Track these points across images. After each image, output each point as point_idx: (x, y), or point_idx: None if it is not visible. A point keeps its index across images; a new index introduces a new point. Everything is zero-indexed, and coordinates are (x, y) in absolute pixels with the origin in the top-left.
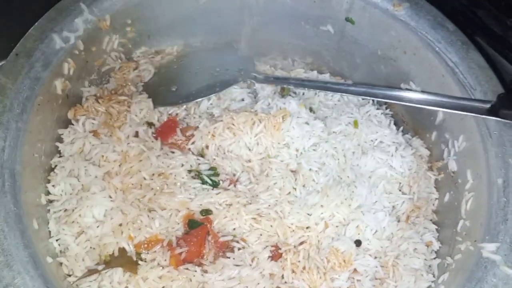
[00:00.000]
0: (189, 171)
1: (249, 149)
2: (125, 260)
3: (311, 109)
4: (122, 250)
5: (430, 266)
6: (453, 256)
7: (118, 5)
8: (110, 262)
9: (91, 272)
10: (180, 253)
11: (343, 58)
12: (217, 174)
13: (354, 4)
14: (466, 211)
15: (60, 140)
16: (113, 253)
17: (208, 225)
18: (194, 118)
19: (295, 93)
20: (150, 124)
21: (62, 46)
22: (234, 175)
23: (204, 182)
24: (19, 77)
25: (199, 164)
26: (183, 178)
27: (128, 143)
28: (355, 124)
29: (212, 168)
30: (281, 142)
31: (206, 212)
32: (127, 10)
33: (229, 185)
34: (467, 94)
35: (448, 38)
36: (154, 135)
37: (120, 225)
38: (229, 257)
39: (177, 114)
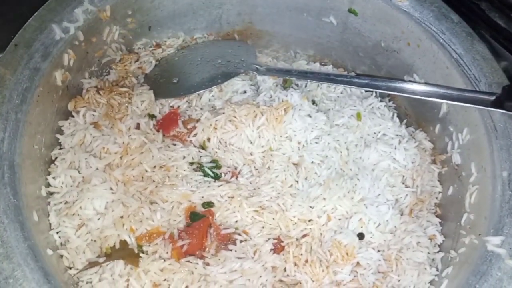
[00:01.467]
0: (191, 164)
1: (251, 142)
2: (126, 253)
3: (313, 102)
4: (123, 243)
5: (433, 259)
6: (457, 250)
7: None
8: (111, 254)
9: (92, 264)
10: (182, 246)
11: (346, 50)
12: (219, 167)
13: None
14: (470, 204)
15: (60, 131)
16: (114, 246)
17: (210, 217)
18: (195, 110)
19: (297, 85)
20: (151, 116)
21: (62, 36)
22: (236, 168)
23: (206, 175)
24: (19, 68)
25: (200, 156)
26: (184, 170)
27: (130, 135)
28: (358, 116)
29: (213, 161)
30: (283, 134)
31: (208, 204)
32: (127, 1)
33: (230, 178)
34: (472, 86)
35: (453, 29)
36: (155, 127)
37: (121, 217)
38: (231, 250)
39: (178, 107)
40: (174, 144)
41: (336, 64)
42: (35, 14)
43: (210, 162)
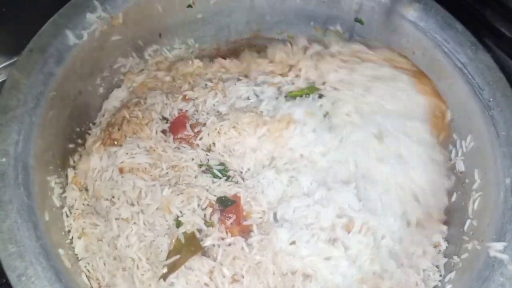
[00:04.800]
0: (200, 166)
1: (253, 151)
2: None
3: (326, 114)
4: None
5: (437, 265)
6: (460, 255)
7: (130, 3)
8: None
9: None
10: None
11: None
12: (226, 170)
13: (363, 4)
14: (473, 210)
15: (72, 135)
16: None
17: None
18: (202, 115)
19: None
20: (165, 119)
21: (75, 42)
22: (241, 172)
23: (215, 176)
24: (33, 72)
25: (208, 159)
26: (194, 171)
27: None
28: (379, 137)
29: (221, 164)
30: (285, 146)
31: (224, 200)
32: (139, 8)
33: (237, 182)
34: (475, 94)
35: (457, 38)
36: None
37: None
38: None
39: (186, 111)
40: (184, 147)
41: None
42: (49, 20)
43: (219, 164)
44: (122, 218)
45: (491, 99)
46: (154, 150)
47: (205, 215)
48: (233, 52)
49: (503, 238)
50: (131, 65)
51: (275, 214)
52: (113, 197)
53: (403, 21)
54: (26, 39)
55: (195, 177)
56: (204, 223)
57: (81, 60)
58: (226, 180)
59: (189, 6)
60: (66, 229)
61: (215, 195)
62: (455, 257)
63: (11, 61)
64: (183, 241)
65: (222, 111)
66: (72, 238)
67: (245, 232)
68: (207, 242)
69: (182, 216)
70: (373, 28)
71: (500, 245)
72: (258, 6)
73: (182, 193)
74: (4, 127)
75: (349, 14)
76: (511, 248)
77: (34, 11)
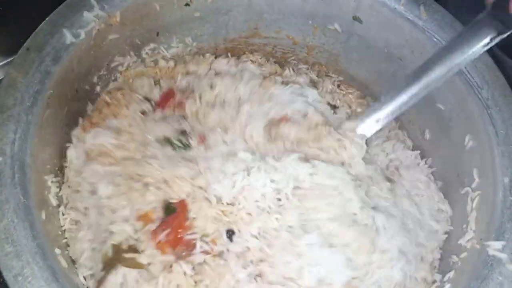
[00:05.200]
0: (157, 140)
1: (243, 102)
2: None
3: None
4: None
5: (435, 266)
6: (459, 255)
7: (128, 2)
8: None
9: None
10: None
11: (350, 56)
12: (184, 134)
13: (362, 3)
14: (472, 209)
15: (69, 134)
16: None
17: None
18: (201, 78)
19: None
20: (149, 100)
21: (73, 41)
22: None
23: (174, 148)
24: (30, 71)
25: (178, 125)
26: (154, 148)
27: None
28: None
29: (182, 132)
30: (266, 103)
31: (168, 207)
32: (137, 7)
33: (198, 144)
34: (474, 93)
35: None
36: (153, 107)
37: None
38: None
39: (188, 84)
40: (163, 118)
41: (339, 70)
42: (46, 19)
43: (180, 133)
44: (80, 211)
45: (490, 98)
46: (128, 132)
47: (137, 225)
48: (231, 51)
49: (502, 237)
50: (129, 64)
51: (229, 233)
52: (79, 186)
53: (402, 20)
54: (25, 39)
55: (155, 156)
56: (136, 235)
57: (78, 59)
58: (186, 148)
59: (187, 4)
60: (63, 228)
61: (161, 198)
62: (454, 256)
63: (8, 60)
64: (109, 254)
65: (230, 71)
66: (67, 237)
67: (189, 247)
68: (142, 259)
69: (113, 223)
70: (371, 26)
71: (498, 244)
72: (256, 4)
73: (124, 193)
74: (0, 126)
75: (348, 13)
76: (510, 247)
77: (34, 11)
